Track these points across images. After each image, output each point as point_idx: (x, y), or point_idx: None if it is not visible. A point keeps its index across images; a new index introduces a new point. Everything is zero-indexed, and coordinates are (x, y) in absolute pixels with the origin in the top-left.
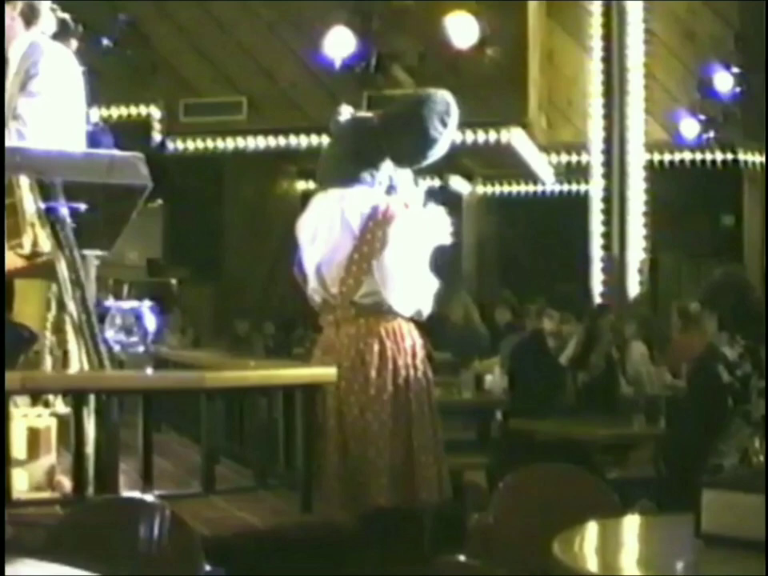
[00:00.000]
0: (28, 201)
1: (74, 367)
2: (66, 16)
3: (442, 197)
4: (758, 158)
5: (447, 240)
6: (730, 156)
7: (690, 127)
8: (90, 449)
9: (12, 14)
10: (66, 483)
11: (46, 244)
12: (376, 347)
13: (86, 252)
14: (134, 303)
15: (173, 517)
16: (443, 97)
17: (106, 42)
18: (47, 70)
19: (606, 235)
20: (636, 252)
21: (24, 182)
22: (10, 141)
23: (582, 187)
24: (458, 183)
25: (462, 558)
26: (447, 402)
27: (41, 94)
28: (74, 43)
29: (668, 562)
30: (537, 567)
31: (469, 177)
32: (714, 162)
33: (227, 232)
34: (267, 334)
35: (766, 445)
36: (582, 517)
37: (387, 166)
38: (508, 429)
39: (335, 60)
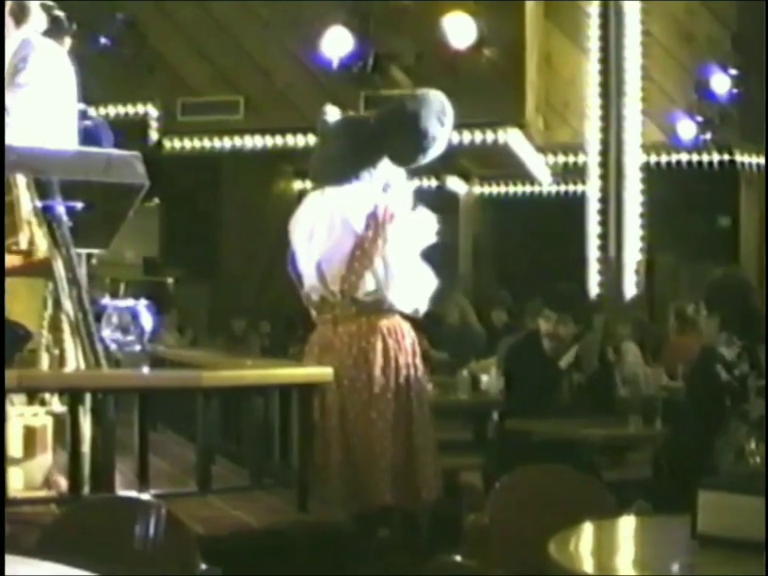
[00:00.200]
0: (25, 199)
1: (70, 366)
2: (61, 14)
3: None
4: (755, 160)
5: (433, 240)
6: (726, 157)
7: (687, 128)
8: (86, 447)
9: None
10: (62, 482)
11: (42, 242)
12: (379, 345)
13: (83, 250)
14: (130, 302)
15: (169, 516)
16: (438, 97)
17: (103, 40)
18: (36, 63)
19: (603, 236)
20: (632, 253)
21: (21, 180)
22: None
23: (579, 188)
24: (454, 183)
25: (458, 558)
26: (444, 403)
27: (27, 85)
28: (68, 41)
29: (664, 563)
30: (533, 568)
31: (466, 177)
32: (710, 163)
33: (224, 231)
34: (264, 333)
35: (766, 447)
36: (577, 517)
37: (385, 164)
38: (504, 429)
39: (333, 60)
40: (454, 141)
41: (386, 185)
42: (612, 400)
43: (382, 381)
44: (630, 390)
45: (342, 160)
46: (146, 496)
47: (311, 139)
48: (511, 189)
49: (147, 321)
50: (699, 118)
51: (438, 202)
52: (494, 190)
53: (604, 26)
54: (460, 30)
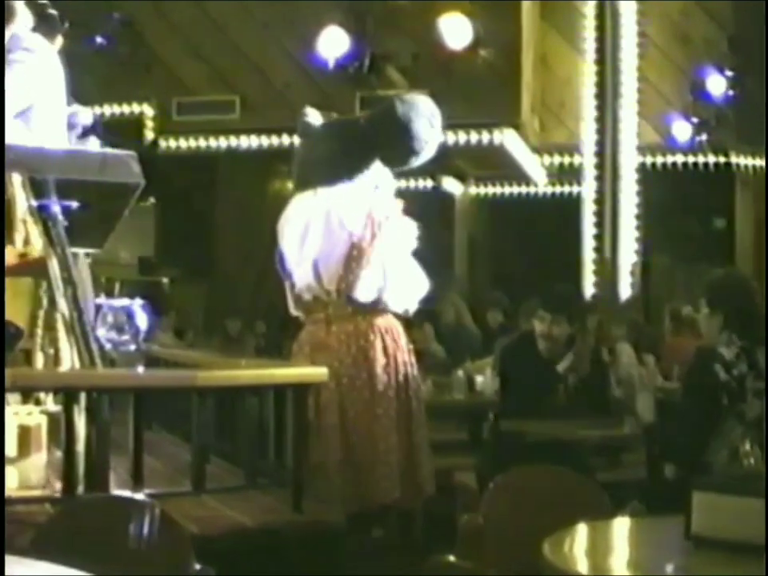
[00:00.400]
0: (20, 198)
1: (65, 365)
2: (54, 12)
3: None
4: (751, 162)
5: (415, 244)
6: (722, 159)
7: (682, 130)
8: (80, 447)
9: None
10: (57, 481)
11: (37, 241)
12: (378, 343)
13: (78, 249)
14: (125, 301)
15: (163, 515)
16: (426, 100)
17: (99, 39)
18: (21, 55)
19: (598, 237)
20: (628, 254)
21: (16, 179)
22: None
23: (575, 189)
24: (450, 184)
25: (452, 558)
26: (439, 403)
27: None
28: (60, 39)
29: (658, 564)
30: (527, 568)
31: (461, 178)
32: (706, 164)
33: (219, 231)
34: (259, 333)
35: (765, 449)
36: (572, 518)
37: (376, 166)
38: (498, 430)
39: (329, 60)
40: (450, 141)
41: (376, 186)
42: (607, 401)
43: (384, 378)
44: (624, 390)
45: (334, 161)
46: (140, 495)
47: None
48: (507, 189)
49: (142, 320)
50: (695, 120)
51: (434, 202)
52: (490, 190)
53: (600, 27)
54: (456, 30)
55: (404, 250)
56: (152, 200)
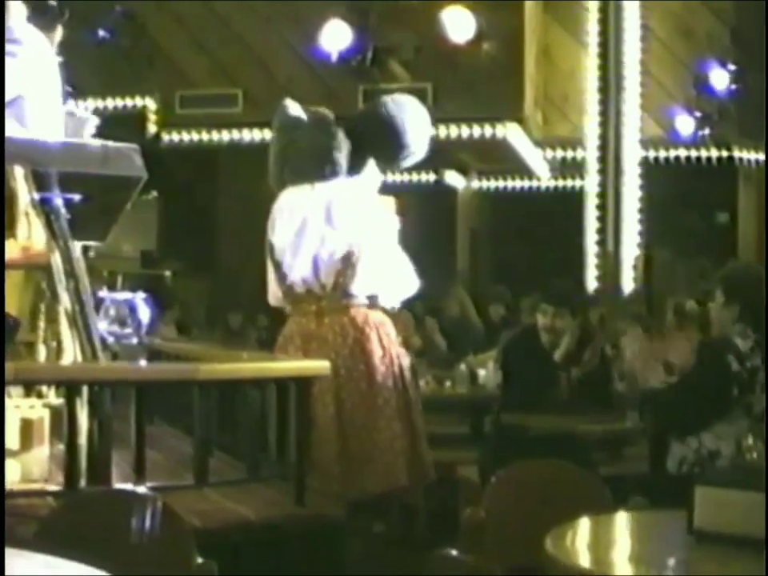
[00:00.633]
0: (22, 191)
1: (67, 358)
2: (53, 2)
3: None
4: (753, 156)
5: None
6: (725, 153)
7: (685, 124)
8: (82, 440)
9: None
10: (59, 475)
11: (40, 234)
12: (374, 336)
13: (80, 242)
14: (127, 294)
15: (165, 509)
16: (414, 101)
17: (102, 32)
18: (9, 47)
19: (601, 231)
20: (630, 248)
21: (18, 172)
22: None
23: (577, 183)
24: (453, 178)
25: (454, 552)
26: (441, 397)
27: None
28: (60, 30)
29: (660, 558)
30: (529, 562)
31: (464, 171)
32: (709, 158)
33: (221, 224)
34: (261, 326)
35: (766, 443)
36: (574, 512)
37: (370, 162)
38: (501, 424)
39: (331, 53)
40: (452, 135)
41: (372, 183)
42: (610, 395)
43: (382, 369)
44: (627, 384)
45: (329, 156)
46: (142, 489)
47: None
48: (509, 183)
49: (144, 314)
50: (698, 114)
51: (437, 196)
52: (493, 184)
53: (603, 21)
54: (459, 23)
55: (397, 246)
56: (154, 193)
